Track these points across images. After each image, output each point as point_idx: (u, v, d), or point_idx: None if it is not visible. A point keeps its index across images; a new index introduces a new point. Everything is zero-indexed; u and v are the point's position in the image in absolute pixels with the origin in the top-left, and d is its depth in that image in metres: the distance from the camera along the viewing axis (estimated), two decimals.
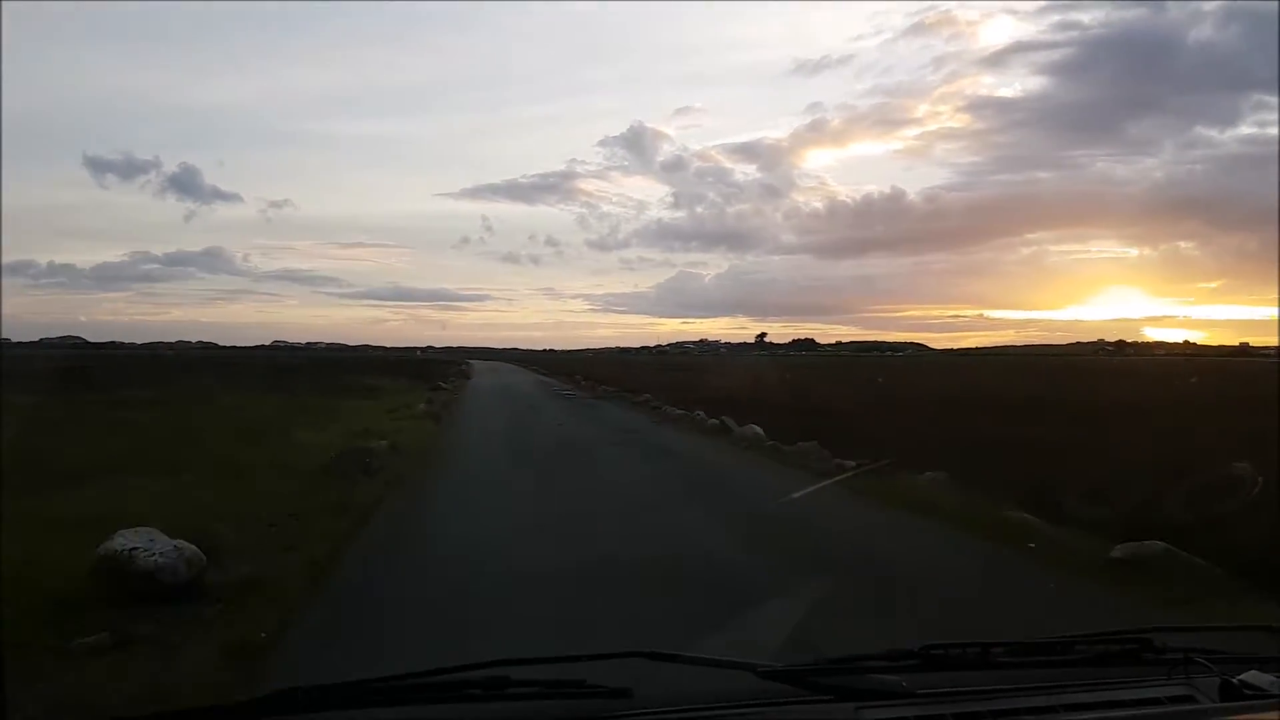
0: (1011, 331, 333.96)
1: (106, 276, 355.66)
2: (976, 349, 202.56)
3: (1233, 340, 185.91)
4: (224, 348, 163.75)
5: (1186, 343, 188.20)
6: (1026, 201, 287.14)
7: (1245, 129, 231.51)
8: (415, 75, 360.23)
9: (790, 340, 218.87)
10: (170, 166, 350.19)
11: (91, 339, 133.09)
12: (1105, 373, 48.48)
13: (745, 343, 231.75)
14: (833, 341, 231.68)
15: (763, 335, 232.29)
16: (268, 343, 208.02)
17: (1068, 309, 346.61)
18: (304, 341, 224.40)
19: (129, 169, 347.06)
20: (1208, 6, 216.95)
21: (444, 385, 33.80)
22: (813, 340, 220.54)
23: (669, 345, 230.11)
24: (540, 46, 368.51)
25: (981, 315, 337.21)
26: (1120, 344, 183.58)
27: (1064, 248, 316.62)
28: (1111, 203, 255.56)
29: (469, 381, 45.76)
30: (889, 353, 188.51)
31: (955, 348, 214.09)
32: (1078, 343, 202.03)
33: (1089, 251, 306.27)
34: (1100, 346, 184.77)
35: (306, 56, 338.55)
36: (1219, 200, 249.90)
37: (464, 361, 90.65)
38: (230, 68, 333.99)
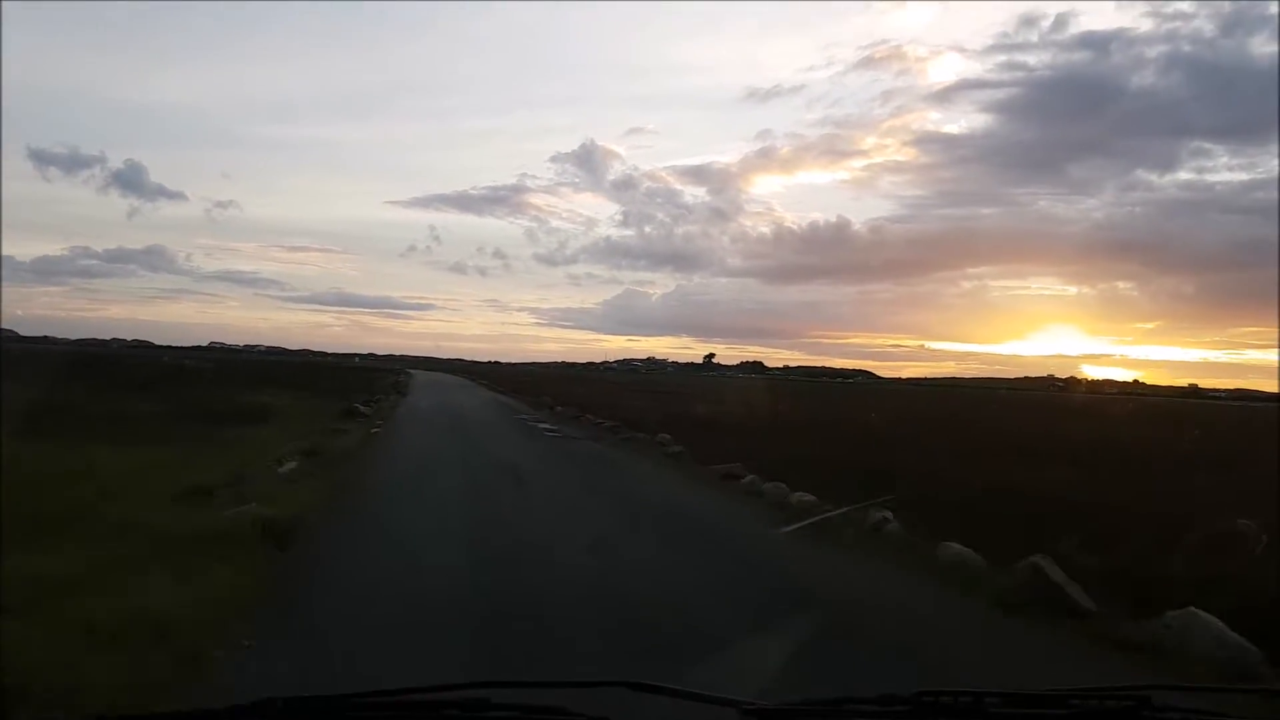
0: (952, 363, 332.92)
1: (44, 270, 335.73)
2: (927, 379, 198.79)
3: (1168, 381, 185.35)
4: (159, 347, 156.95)
5: (1136, 382, 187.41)
6: (969, 236, 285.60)
7: (1184, 174, 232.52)
8: (367, 81, 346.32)
9: (739, 362, 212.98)
10: (115, 162, 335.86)
11: (24, 333, 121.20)
12: (1135, 415, 42.10)
13: (693, 363, 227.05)
14: (780, 365, 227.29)
15: (710, 356, 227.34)
16: (205, 344, 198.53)
17: (1007, 343, 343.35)
18: (242, 344, 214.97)
19: (73, 163, 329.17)
20: (1150, 54, 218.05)
21: (364, 410, 24.34)
22: (761, 363, 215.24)
23: (615, 362, 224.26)
24: (494, 59, 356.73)
25: (923, 346, 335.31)
26: (1071, 380, 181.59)
27: (1004, 283, 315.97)
28: (1052, 241, 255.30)
29: (405, 401, 35.69)
30: (839, 379, 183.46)
31: (903, 376, 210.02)
32: (1026, 377, 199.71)
33: (1029, 288, 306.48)
34: (1051, 382, 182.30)
35: (259, 57, 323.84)
36: (1157, 243, 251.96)
37: (403, 371, 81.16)
38: (181, 66, 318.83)
